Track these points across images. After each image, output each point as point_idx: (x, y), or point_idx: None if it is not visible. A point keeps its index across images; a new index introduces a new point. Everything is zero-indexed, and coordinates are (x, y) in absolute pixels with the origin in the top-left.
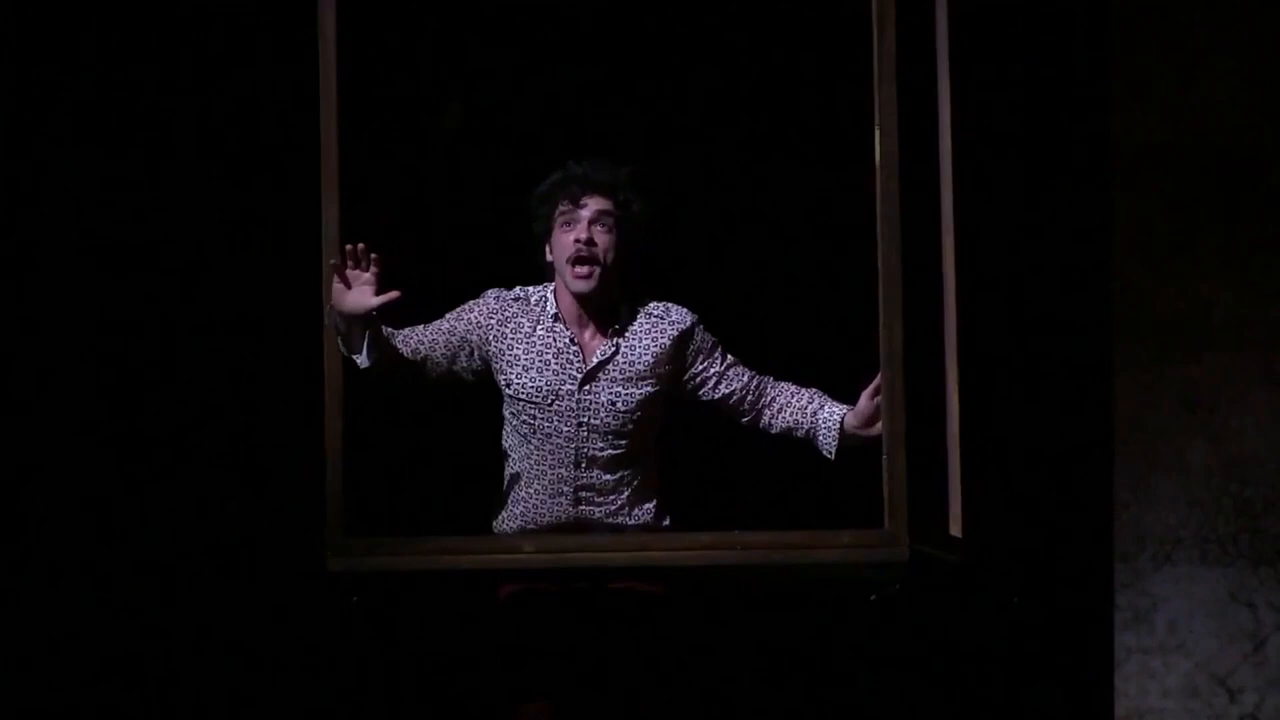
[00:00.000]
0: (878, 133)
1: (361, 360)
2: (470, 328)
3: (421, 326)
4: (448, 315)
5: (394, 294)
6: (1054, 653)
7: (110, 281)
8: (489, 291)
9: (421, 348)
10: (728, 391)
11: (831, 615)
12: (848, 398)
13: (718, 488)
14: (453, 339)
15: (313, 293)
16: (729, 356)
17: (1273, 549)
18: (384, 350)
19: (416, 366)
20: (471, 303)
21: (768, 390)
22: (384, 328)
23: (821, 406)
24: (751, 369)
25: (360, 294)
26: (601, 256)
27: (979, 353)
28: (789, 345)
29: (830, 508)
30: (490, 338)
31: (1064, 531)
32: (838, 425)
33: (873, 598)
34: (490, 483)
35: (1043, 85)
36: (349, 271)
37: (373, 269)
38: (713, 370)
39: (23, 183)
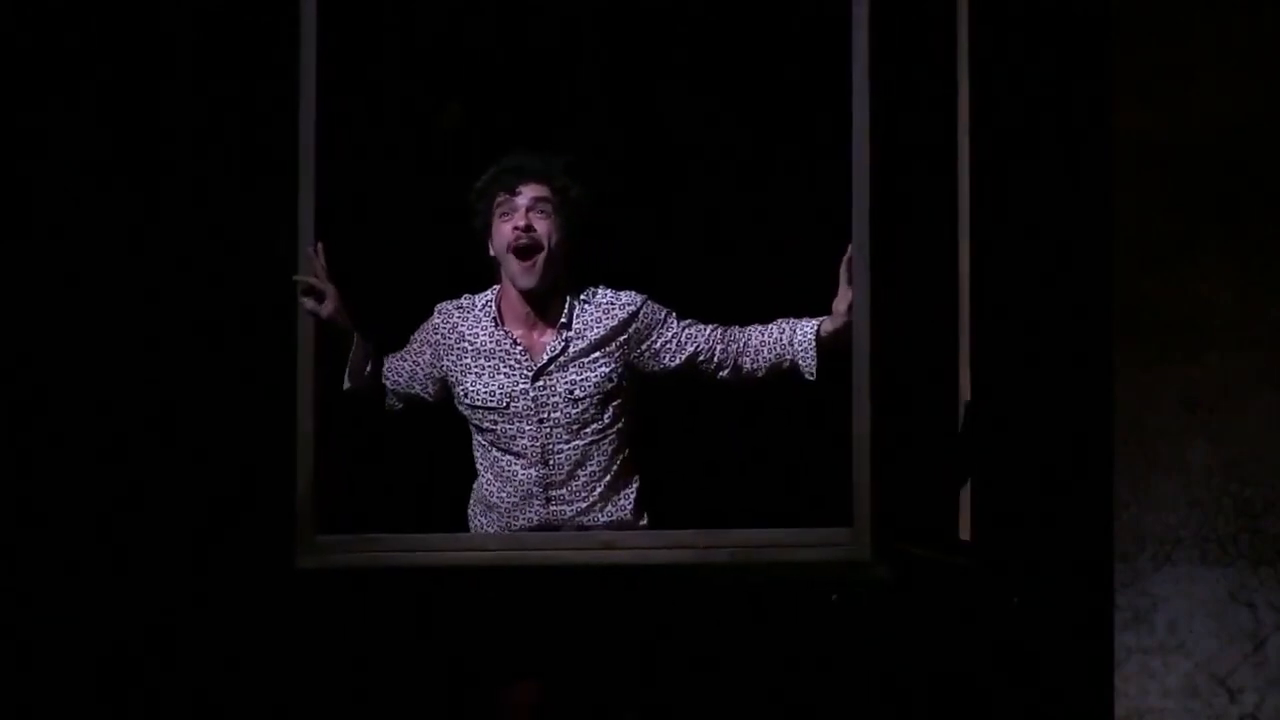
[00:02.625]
0: (853, 132)
1: (347, 383)
2: (423, 346)
3: (396, 357)
4: (410, 341)
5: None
6: (1054, 653)
7: (83, 279)
8: (437, 306)
9: (402, 377)
10: (693, 350)
11: (828, 614)
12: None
13: (694, 486)
14: (415, 362)
15: (287, 292)
16: (685, 320)
17: (1273, 549)
18: (363, 378)
19: (399, 396)
20: (424, 323)
21: (737, 337)
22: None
23: (794, 330)
24: (712, 323)
25: (325, 302)
26: (543, 242)
27: (978, 353)
28: None
29: (813, 506)
30: (441, 352)
31: (1064, 531)
32: (812, 341)
33: (834, 598)
34: (460, 480)
35: (1042, 85)
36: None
37: (320, 268)
38: (669, 334)
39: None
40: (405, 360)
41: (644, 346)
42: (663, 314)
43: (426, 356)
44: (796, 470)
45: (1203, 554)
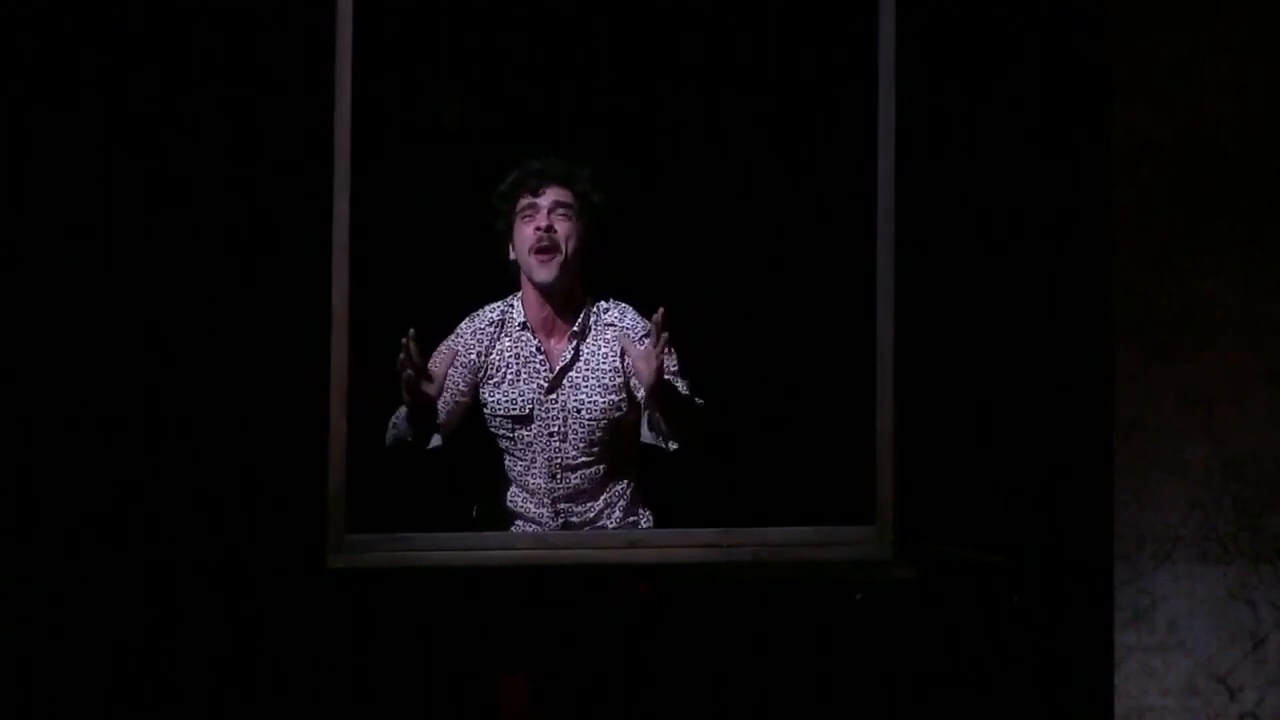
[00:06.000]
0: (879, 130)
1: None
2: (458, 356)
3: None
4: (437, 357)
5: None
6: (1054, 651)
7: (115, 279)
8: (462, 324)
9: (446, 414)
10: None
11: (827, 614)
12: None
13: (709, 485)
14: (463, 379)
15: (320, 292)
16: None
17: (1273, 547)
18: (444, 420)
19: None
20: (450, 340)
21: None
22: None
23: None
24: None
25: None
26: (563, 244)
27: (979, 353)
28: (782, 345)
29: (827, 506)
30: (478, 363)
31: (1064, 531)
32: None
33: (858, 596)
34: (487, 480)
35: (1042, 84)
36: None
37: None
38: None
39: (30, 179)
40: (455, 368)
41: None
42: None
43: (463, 366)
44: (818, 468)
45: (1203, 552)
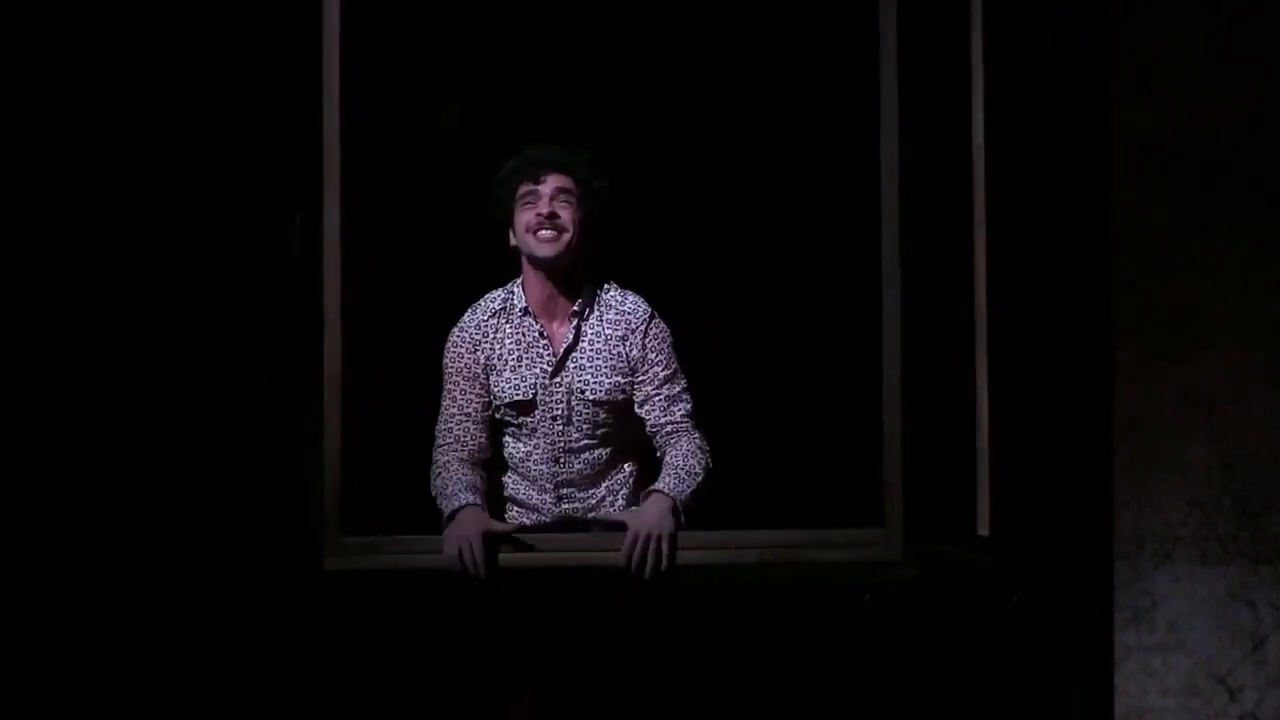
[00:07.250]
0: (881, 132)
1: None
2: (473, 364)
3: (462, 424)
4: (455, 384)
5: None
6: (1054, 651)
7: (108, 278)
8: (465, 316)
9: (483, 433)
10: (641, 414)
11: (827, 614)
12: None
13: (715, 486)
14: (481, 392)
15: (313, 292)
16: (669, 382)
17: (1273, 548)
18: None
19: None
20: (454, 349)
21: (671, 441)
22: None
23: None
24: (681, 408)
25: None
26: (567, 226)
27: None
28: (786, 345)
29: (834, 507)
30: (485, 359)
31: (1064, 530)
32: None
33: (866, 597)
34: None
35: (1042, 83)
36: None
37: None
38: (641, 379)
39: (18, 178)
40: (474, 397)
41: (638, 372)
42: (662, 351)
43: (479, 371)
44: (825, 470)
45: (1203, 553)
